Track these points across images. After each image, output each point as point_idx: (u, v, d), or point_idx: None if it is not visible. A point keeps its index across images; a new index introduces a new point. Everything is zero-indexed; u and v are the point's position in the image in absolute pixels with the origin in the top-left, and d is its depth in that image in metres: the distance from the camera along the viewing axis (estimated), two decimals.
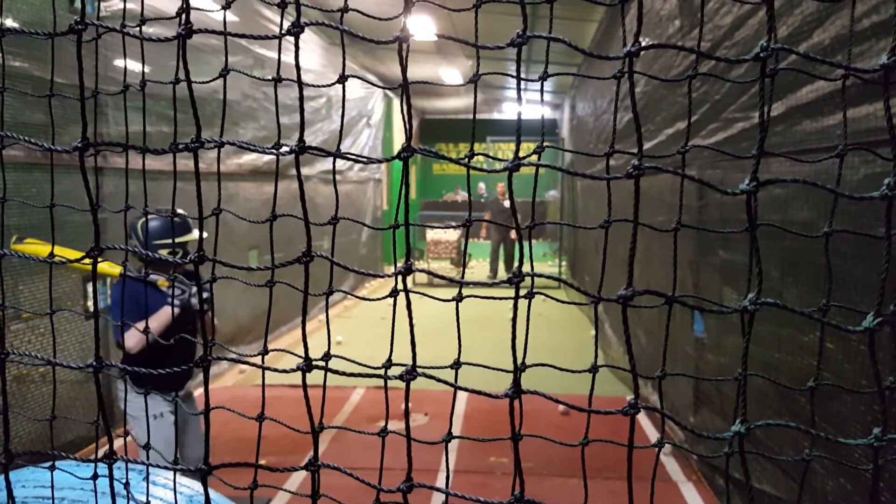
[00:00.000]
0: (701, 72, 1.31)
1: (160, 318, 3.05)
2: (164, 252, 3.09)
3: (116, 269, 2.95)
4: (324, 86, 1.27)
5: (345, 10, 1.16)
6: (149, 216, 2.83)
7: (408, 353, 0.96)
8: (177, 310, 3.01)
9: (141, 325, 3.05)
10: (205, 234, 3.41)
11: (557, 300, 1.26)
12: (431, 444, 1.17)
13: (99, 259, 0.87)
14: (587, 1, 1.10)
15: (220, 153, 1.21)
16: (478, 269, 14.39)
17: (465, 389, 0.92)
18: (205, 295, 3.20)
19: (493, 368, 1.24)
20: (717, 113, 3.66)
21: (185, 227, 3.26)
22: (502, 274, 13.17)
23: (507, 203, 12.52)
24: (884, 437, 0.64)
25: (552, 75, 1.28)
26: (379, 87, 1.46)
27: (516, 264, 0.87)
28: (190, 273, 3.14)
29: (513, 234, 12.81)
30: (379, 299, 1.36)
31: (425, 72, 12.73)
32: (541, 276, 0.91)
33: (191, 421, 3.41)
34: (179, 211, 3.36)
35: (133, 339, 2.99)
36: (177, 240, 3.14)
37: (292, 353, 1.10)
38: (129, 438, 2.02)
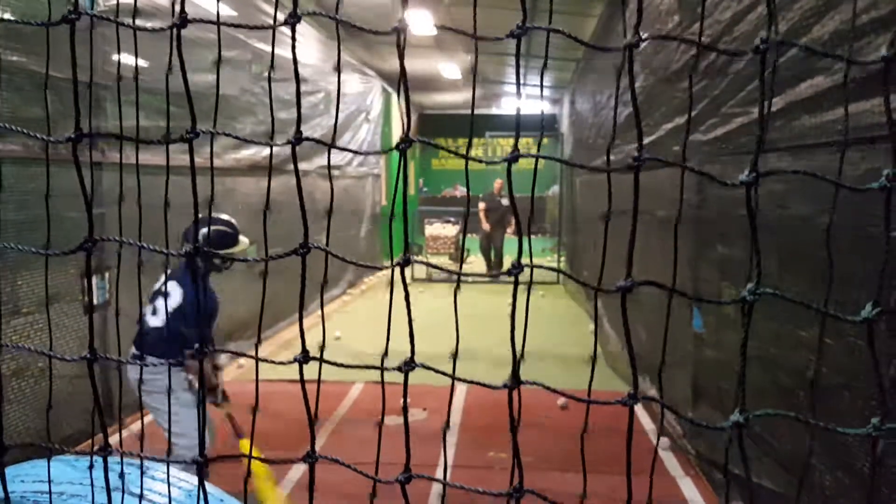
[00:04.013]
0: (701, 67, 1.31)
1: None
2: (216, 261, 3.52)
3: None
4: (322, 83, 1.26)
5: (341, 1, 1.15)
6: (206, 225, 3.33)
7: (407, 348, 0.96)
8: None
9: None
10: (246, 241, 3.85)
11: (557, 278, 1.26)
12: (432, 436, 1.17)
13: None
14: None
15: (212, 143, 1.21)
16: (476, 264, 14.40)
17: (464, 381, 0.92)
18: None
19: (492, 364, 1.24)
20: (717, 108, 3.66)
21: (235, 239, 3.70)
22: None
23: (504, 200, 12.41)
24: (882, 426, 0.64)
25: (554, 59, 1.28)
26: (376, 78, 1.46)
27: (515, 257, 0.87)
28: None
29: (509, 229, 12.74)
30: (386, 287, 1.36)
31: (424, 66, 12.69)
32: (540, 267, 0.90)
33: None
34: (231, 220, 3.75)
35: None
36: (226, 250, 3.59)
37: (295, 356, 1.10)
38: (126, 433, 2.03)
